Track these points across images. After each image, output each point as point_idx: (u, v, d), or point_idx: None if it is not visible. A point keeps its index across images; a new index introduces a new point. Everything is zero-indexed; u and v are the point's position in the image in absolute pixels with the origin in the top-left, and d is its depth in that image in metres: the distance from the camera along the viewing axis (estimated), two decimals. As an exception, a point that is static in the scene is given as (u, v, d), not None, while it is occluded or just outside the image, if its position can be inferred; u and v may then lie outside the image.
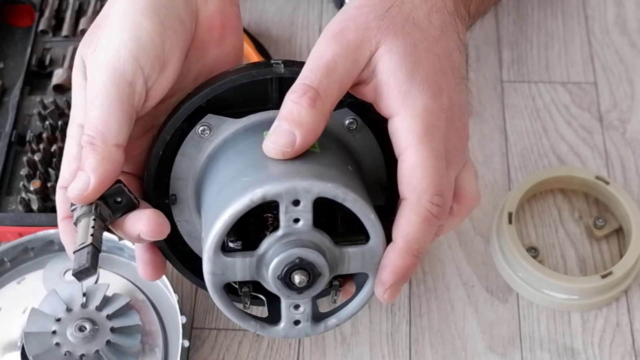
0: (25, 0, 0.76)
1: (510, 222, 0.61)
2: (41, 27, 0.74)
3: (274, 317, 0.44)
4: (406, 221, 0.42)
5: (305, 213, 0.40)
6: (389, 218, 0.43)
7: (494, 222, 0.63)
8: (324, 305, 0.50)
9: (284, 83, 0.44)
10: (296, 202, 0.40)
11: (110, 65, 0.43)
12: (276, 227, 0.41)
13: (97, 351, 0.55)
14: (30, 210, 0.64)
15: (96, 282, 0.60)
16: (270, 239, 0.41)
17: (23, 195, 0.64)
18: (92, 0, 0.76)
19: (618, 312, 0.60)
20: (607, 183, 0.63)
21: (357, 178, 0.44)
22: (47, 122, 0.67)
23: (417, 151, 0.42)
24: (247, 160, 0.43)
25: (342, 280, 0.44)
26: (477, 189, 0.45)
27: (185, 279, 0.55)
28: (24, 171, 0.66)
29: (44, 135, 0.67)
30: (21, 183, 0.65)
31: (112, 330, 0.56)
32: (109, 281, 0.60)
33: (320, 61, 0.42)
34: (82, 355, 0.55)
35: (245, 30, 0.68)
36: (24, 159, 0.67)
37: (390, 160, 0.45)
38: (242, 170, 0.42)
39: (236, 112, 0.45)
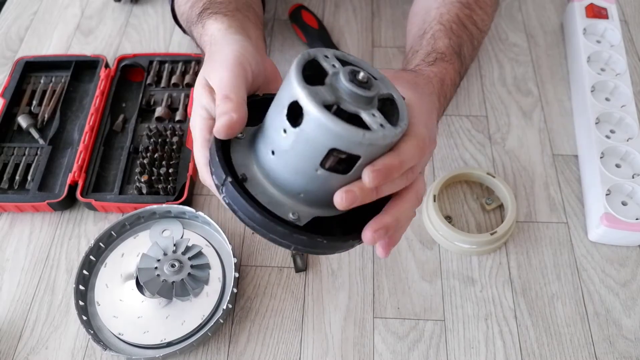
0: (138, 65, 0.77)
1: (434, 200, 0.61)
2: (148, 81, 0.75)
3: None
4: (406, 143, 0.38)
5: (337, 61, 0.37)
6: None
7: (424, 201, 0.63)
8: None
9: (258, 103, 0.43)
10: (326, 57, 0.37)
11: (231, 61, 0.43)
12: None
13: (182, 279, 0.55)
14: (142, 193, 0.65)
15: (181, 237, 0.59)
16: (332, 79, 0.35)
17: (137, 184, 0.66)
18: (179, 65, 0.76)
19: (500, 256, 0.60)
20: (494, 177, 0.64)
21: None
22: (151, 140, 0.70)
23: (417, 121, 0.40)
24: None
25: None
26: (425, 188, 0.44)
27: (236, 236, 0.54)
28: (137, 169, 0.67)
29: (150, 147, 0.69)
30: (136, 177, 0.67)
31: (191, 266, 0.56)
32: (190, 237, 0.61)
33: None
34: (173, 282, 0.56)
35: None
36: (137, 162, 0.68)
37: None
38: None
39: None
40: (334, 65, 0.36)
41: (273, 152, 0.37)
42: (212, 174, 0.39)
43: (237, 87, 0.41)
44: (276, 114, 0.36)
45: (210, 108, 0.43)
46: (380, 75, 0.39)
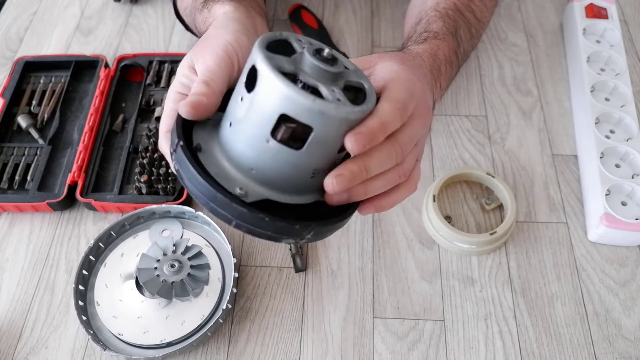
0: (138, 65, 0.77)
1: (434, 200, 0.62)
2: (148, 81, 0.75)
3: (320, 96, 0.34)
4: (383, 104, 0.38)
5: (308, 44, 0.37)
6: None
7: (424, 201, 0.64)
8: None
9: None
10: (299, 40, 0.37)
11: (220, 52, 0.43)
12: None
13: (182, 280, 0.55)
14: (141, 193, 0.65)
15: (181, 237, 0.59)
16: (297, 55, 0.36)
17: (137, 184, 0.66)
18: (178, 65, 0.75)
19: (500, 256, 0.60)
20: (493, 177, 0.64)
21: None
22: (151, 140, 0.70)
23: (399, 81, 0.40)
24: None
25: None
26: (418, 179, 0.43)
27: (235, 236, 0.54)
28: (137, 169, 0.67)
29: (149, 147, 0.69)
30: (135, 177, 0.67)
31: (191, 267, 0.56)
32: (189, 237, 0.61)
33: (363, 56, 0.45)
34: (173, 282, 0.55)
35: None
36: (137, 162, 0.68)
37: None
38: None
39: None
40: (304, 47, 0.36)
41: (230, 124, 0.37)
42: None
43: (219, 77, 0.41)
44: (238, 85, 0.37)
45: (188, 84, 0.43)
46: (355, 67, 0.39)
